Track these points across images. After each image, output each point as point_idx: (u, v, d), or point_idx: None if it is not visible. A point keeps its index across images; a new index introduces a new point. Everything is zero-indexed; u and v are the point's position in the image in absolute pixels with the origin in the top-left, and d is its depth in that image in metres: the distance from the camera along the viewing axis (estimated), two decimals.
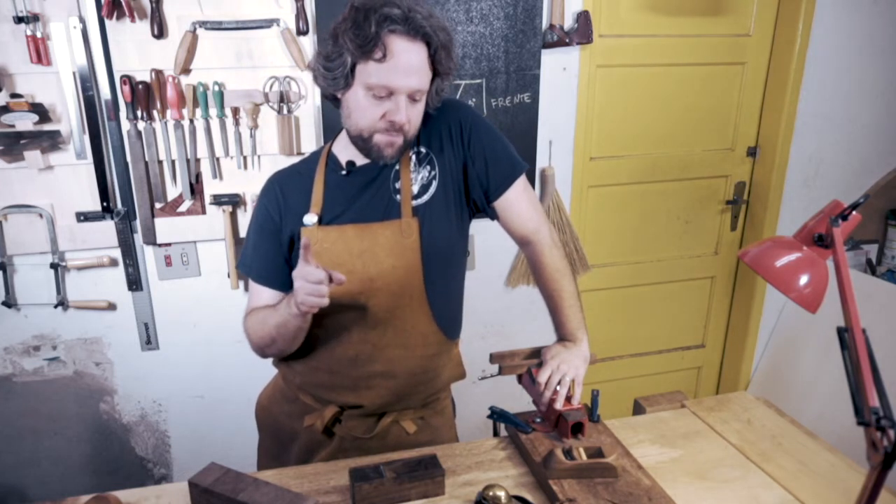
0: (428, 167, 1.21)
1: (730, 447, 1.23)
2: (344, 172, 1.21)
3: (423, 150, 1.22)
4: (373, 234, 1.17)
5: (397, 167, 1.20)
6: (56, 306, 1.91)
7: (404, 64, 1.07)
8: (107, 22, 1.71)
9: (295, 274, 1.02)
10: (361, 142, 1.14)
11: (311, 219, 1.18)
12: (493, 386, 1.79)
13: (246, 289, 2.06)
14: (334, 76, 1.10)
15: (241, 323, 1.25)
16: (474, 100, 2.04)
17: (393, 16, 1.04)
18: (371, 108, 1.10)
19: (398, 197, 1.18)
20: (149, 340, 2.03)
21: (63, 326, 1.97)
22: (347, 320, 1.19)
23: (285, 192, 1.22)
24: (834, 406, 2.26)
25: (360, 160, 1.20)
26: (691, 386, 2.81)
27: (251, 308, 1.24)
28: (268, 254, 1.22)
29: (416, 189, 1.19)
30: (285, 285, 1.20)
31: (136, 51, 1.75)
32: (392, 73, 1.07)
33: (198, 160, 1.88)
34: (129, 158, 1.83)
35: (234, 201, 1.92)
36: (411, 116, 1.12)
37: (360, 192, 1.19)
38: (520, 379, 1.32)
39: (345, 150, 1.22)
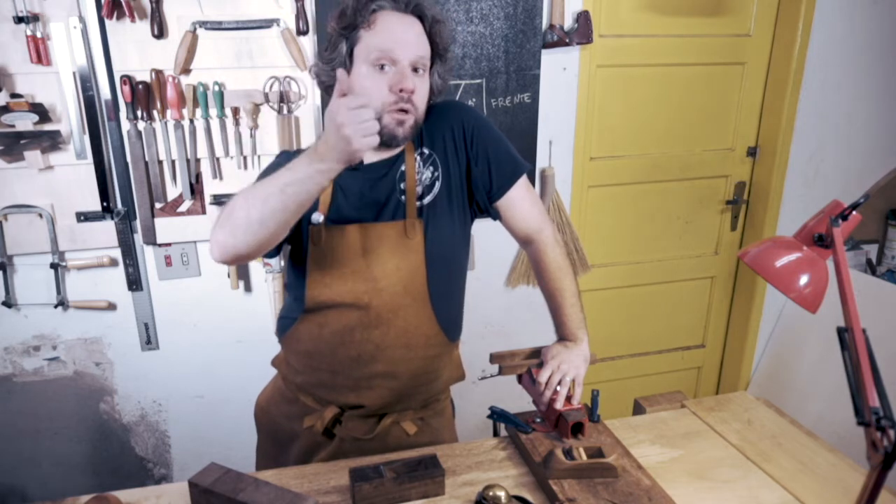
0: (431, 168, 1.21)
1: (730, 447, 1.23)
2: (352, 168, 1.20)
3: (426, 150, 1.22)
4: (377, 234, 1.17)
5: (403, 167, 1.19)
6: (56, 306, 1.91)
7: (400, 33, 1.09)
8: (107, 22, 1.71)
9: (330, 109, 0.90)
10: None
11: (317, 217, 1.17)
12: (493, 386, 1.79)
13: (246, 289, 2.06)
14: (333, 66, 1.12)
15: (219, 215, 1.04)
16: (474, 100, 2.04)
17: None
18: (377, 83, 1.09)
19: (403, 197, 1.18)
20: (149, 340, 2.03)
21: (63, 326, 1.97)
22: (350, 320, 1.19)
23: None
24: (834, 406, 2.26)
25: (368, 158, 1.20)
26: (691, 386, 2.81)
27: None
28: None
29: (420, 190, 1.19)
30: None
31: (136, 51, 1.75)
32: (388, 40, 1.08)
33: (198, 160, 1.88)
34: (129, 158, 1.83)
35: None
36: (418, 89, 1.12)
37: (366, 191, 1.19)
38: (520, 379, 1.32)
39: None
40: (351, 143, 0.89)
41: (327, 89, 1.17)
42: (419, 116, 1.15)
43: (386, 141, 1.13)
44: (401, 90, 1.09)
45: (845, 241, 0.97)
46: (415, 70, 1.12)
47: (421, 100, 1.14)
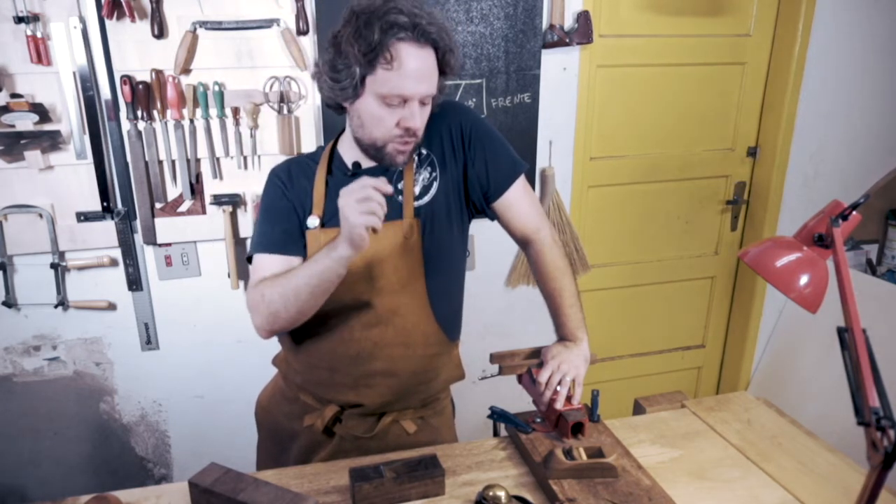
0: (429, 168, 1.22)
1: (730, 447, 1.23)
2: (349, 174, 1.21)
3: (424, 151, 1.22)
4: (375, 235, 1.17)
5: (400, 168, 1.20)
6: (56, 306, 1.91)
7: (415, 71, 1.06)
8: (107, 22, 1.71)
9: (340, 202, 0.99)
10: (374, 150, 1.15)
11: (313, 221, 1.18)
12: (493, 386, 1.79)
13: (246, 289, 2.06)
14: (342, 87, 1.09)
15: (247, 296, 1.18)
16: (474, 100, 2.04)
17: (400, 23, 1.03)
18: (386, 118, 1.10)
19: (400, 198, 1.19)
20: (149, 340, 2.03)
21: (63, 326, 1.97)
22: (350, 318, 1.20)
23: (293, 178, 1.22)
24: (834, 406, 2.26)
25: (367, 162, 1.21)
26: (691, 386, 2.81)
27: (261, 278, 1.17)
28: (282, 224, 1.19)
29: (417, 190, 1.20)
30: (301, 251, 1.18)
31: (136, 51, 1.75)
32: (404, 80, 1.06)
33: (198, 160, 1.88)
34: (129, 158, 1.83)
35: (235, 201, 1.92)
36: (423, 120, 1.13)
37: None
38: (520, 379, 1.32)
39: (350, 151, 1.22)
40: (352, 238, 0.99)
41: (327, 106, 1.19)
42: (420, 139, 1.16)
43: (386, 166, 1.17)
44: (407, 128, 1.10)
45: (845, 241, 0.97)
46: (422, 103, 1.11)
47: (424, 126, 1.15)
